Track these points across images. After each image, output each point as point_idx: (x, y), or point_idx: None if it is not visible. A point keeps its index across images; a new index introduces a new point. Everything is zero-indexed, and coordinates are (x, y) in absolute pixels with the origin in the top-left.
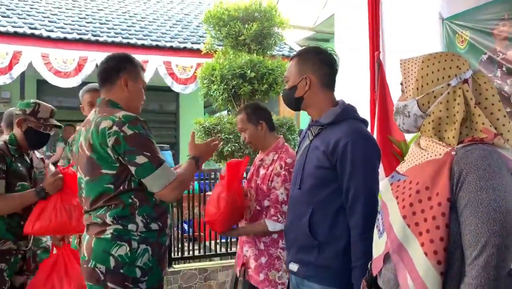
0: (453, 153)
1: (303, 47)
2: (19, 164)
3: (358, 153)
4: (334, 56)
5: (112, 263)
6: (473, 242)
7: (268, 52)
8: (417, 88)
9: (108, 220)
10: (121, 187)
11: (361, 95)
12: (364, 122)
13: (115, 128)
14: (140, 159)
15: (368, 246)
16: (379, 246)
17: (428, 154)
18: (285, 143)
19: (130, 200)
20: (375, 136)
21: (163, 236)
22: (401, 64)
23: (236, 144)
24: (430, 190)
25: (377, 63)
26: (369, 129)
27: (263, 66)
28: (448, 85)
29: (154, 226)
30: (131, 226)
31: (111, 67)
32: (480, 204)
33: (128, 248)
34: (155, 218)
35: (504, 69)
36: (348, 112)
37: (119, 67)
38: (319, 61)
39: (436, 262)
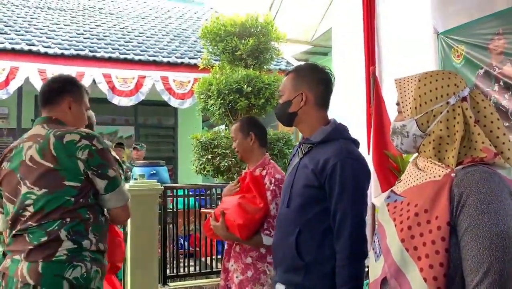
0: (452, 174)
1: (301, 63)
2: None
3: (347, 174)
4: (331, 76)
5: (65, 288)
6: (474, 268)
7: (264, 67)
8: (415, 107)
9: (63, 235)
10: (81, 200)
11: (359, 108)
12: (355, 142)
13: (84, 141)
14: (111, 173)
15: (355, 270)
16: (375, 269)
17: (426, 175)
18: (271, 161)
19: (87, 215)
20: (371, 151)
21: (105, 259)
22: (396, 83)
23: (233, 159)
24: (429, 213)
25: (372, 78)
26: (365, 144)
27: (260, 80)
28: (447, 103)
29: (101, 246)
30: (85, 243)
31: (55, 88)
32: (481, 228)
33: (84, 269)
34: (102, 238)
35: (501, 83)
36: (339, 132)
37: (63, 89)
38: (316, 79)
39: (436, 288)
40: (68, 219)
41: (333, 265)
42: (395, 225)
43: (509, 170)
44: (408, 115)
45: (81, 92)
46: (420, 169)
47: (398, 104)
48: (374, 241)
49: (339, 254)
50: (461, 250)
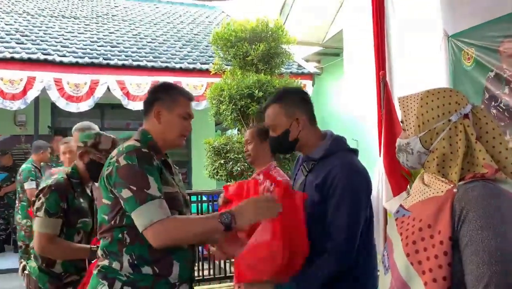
0: (454, 190)
1: (278, 91)
2: (81, 200)
3: (346, 185)
4: (306, 92)
5: None
6: (475, 281)
7: (276, 71)
8: (419, 126)
9: (99, 252)
10: (113, 221)
11: (371, 109)
12: (355, 152)
13: (115, 157)
14: (125, 193)
15: (329, 275)
16: (385, 283)
17: (430, 190)
18: (277, 167)
19: (120, 235)
20: (382, 155)
21: (163, 284)
22: (399, 102)
23: (246, 164)
24: (432, 228)
25: (382, 83)
26: (376, 147)
27: (271, 85)
28: (449, 121)
29: (146, 269)
30: (115, 264)
31: (147, 98)
32: (481, 243)
33: (106, 287)
34: (148, 261)
35: None
36: (337, 145)
37: (153, 98)
38: (301, 100)
39: None
40: (104, 238)
41: (353, 273)
42: (401, 240)
43: (510, 186)
44: (412, 133)
45: (175, 98)
46: (425, 185)
47: (402, 122)
48: (383, 255)
49: (328, 255)
50: (463, 264)
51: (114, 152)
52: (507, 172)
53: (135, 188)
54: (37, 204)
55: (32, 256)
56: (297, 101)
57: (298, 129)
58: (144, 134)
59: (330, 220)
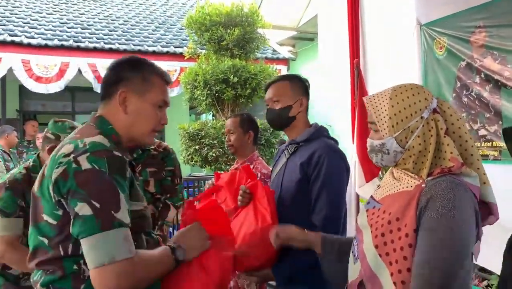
0: (423, 185)
1: (290, 74)
2: None
3: (331, 165)
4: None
5: None
6: (423, 262)
7: (251, 56)
8: (393, 126)
9: None
10: (62, 245)
11: (344, 95)
12: (335, 141)
13: (72, 155)
14: (83, 209)
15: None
16: (353, 271)
17: (400, 185)
18: (259, 157)
19: (75, 267)
20: (355, 141)
21: None
22: (367, 102)
23: (221, 149)
24: (400, 221)
25: (356, 70)
26: (349, 133)
27: (246, 71)
28: (422, 118)
29: None
30: None
31: (109, 77)
32: (437, 229)
33: None
34: None
35: (482, 75)
36: (321, 132)
37: (117, 77)
38: (306, 88)
39: None
40: (49, 270)
41: None
42: (371, 231)
43: (475, 179)
44: (386, 133)
45: (146, 80)
46: (395, 179)
47: (372, 123)
48: (353, 244)
49: (316, 223)
50: (417, 242)
51: (68, 148)
52: (473, 161)
53: (99, 206)
54: None
55: None
56: (303, 86)
57: (299, 109)
58: (104, 123)
59: (316, 197)
